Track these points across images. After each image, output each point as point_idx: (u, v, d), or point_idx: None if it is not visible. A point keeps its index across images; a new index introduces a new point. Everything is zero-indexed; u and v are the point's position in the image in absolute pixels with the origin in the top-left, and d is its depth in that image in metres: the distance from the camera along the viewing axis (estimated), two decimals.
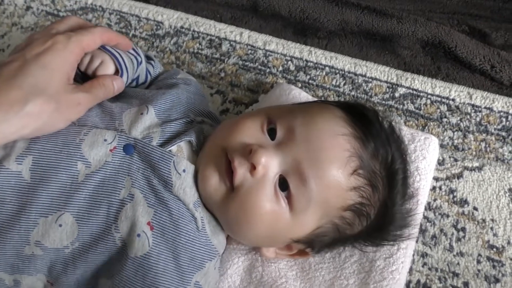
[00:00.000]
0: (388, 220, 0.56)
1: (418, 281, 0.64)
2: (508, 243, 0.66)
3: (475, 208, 0.69)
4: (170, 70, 0.72)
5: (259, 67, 0.85)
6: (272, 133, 0.55)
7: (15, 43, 0.92)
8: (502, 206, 0.69)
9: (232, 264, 0.62)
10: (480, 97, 0.78)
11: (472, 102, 0.78)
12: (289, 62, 0.85)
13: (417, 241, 0.66)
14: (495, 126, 0.76)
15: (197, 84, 0.71)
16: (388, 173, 0.55)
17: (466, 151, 0.74)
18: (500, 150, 0.74)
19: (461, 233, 0.67)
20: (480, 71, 0.84)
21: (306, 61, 0.85)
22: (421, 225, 0.67)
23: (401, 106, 0.79)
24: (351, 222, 0.54)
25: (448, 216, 0.69)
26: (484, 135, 0.75)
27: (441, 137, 0.76)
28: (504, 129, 0.76)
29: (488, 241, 0.67)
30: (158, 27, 0.92)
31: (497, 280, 0.64)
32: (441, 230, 0.68)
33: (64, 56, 0.51)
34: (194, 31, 0.91)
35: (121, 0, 0.96)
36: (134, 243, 0.50)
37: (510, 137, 0.75)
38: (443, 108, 0.78)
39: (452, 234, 0.67)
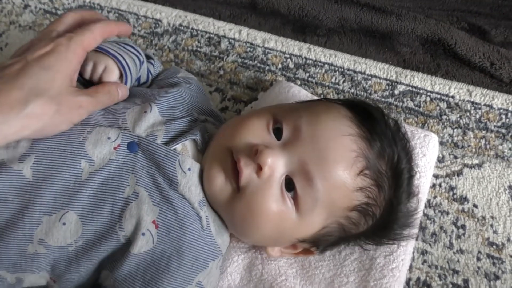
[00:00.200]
0: (393, 220, 0.56)
1: (418, 278, 0.64)
2: (508, 240, 0.66)
3: (475, 205, 0.69)
4: (170, 69, 0.71)
5: (258, 64, 0.85)
6: (277, 133, 0.54)
7: (13, 42, 0.92)
8: (502, 203, 0.69)
9: (232, 262, 0.62)
10: (479, 94, 0.78)
11: (472, 99, 0.78)
12: (288, 60, 0.85)
13: (417, 239, 0.66)
14: (494, 123, 0.76)
15: (198, 82, 0.71)
16: (394, 173, 0.54)
17: (465, 148, 0.74)
18: (500, 147, 0.74)
19: (461, 231, 0.67)
20: (479, 68, 0.84)
21: (305, 58, 0.85)
22: (421, 222, 0.67)
23: (401, 103, 0.79)
24: (356, 222, 0.54)
25: (448, 213, 0.69)
26: (483, 132, 0.75)
27: (441, 135, 0.75)
28: (503, 126, 0.75)
29: (488, 238, 0.67)
30: (157, 25, 0.92)
31: (497, 277, 0.64)
32: (441, 228, 0.68)
33: (67, 58, 0.51)
34: (192, 29, 0.90)
35: None
36: (138, 241, 0.50)
37: (510, 134, 0.75)
38: (443, 105, 0.78)
39: (452, 231, 0.67)
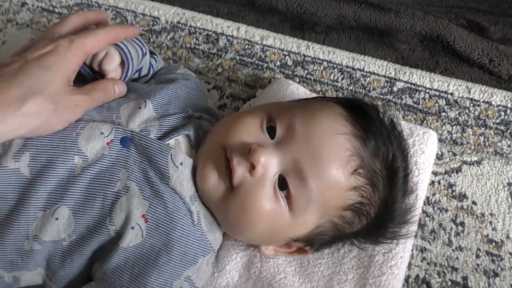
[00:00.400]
0: (388, 218, 0.56)
1: (417, 276, 0.64)
2: (507, 237, 0.66)
3: (474, 203, 0.69)
4: (169, 66, 0.71)
5: (257, 62, 0.85)
6: (271, 131, 0.54)
7: (10, 40, 0.92)
8: (501, 200, 0.69)
9: (231, 260, 0.62)
10: (478, 91, 0.78)
11: (471, 96, 0.78)
12: (287, 57, 0.85)
13: (416, 236, 0.66)
14: (493, 120, 0.76)
15: (197, 79, 0.70)
16: (389, 172, 0.54)
17: (464, 145, 0.74)
18: (499, 144, 0.74)
19: (460, 228, 0.67)
20: (478, 65, 0.83)
21: (304, 56, 0.84)
22: (420, 219, 0.67)
23: (400, 100, 0.79)
24: (350, 221, 0.54)
25: (447, 210, 0.69)
26: (482, 129, 0.75)
27: (440, 131, 0.75)
28: (502, 123, 0.75)
29: (487, 235, 0.66)
30: (155, 22, 0.92)
31: (496, 275, 0.64)
32: (440, 225, 0.67)
33: (66, 59, 0.51)
34: (190, 26, 0.90)
35: None
36: (128, 234, 0.50)
37: (508, 131, 0.75)
38: (442, 102, 0.78)
39: (451, 228, 0.67)
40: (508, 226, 0.67)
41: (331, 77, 0.82)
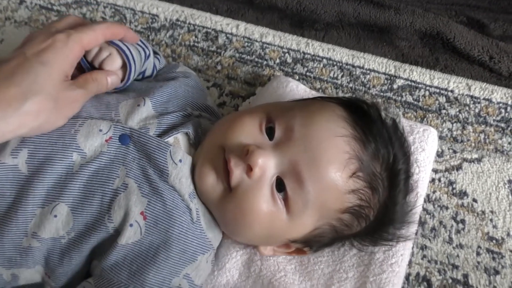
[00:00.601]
0: (388, 221, 0.56)
1: (418, 273, 0.64)
2: (508, 235, 0.66)
3: (475, 200, 0.69)
4: (169, 64, 0.71)
5: (256, 59, 0.84)
6: (270, 132, 0.54)
7: (8, 38, 0.91)
8: (502, 197, 0.69)
9: (231, 258, 0.62)
10: (479, 88, 0.78)
11: (471, 94, 0.78)
12: (286, 55, 0.84)
13: (416, 234, 0.66)
14: (494, 117, 0.75)
15: (197, 77, 0.70)
16: (389, 174, 0.54)
17: (465, 143, 0.74)
18: (499, 141, 0.73)
19: (460, 225, 0.67)
20: (478, 62, 0.83)
21: (304, 53, 0.84)
22: (420, 217, 0.67)
23: (400, 98, 0.78)
24: (349, 224, 0.53)
25: (447, 208, 0.68)
26: (483, 126, 0.75)
27: (440, 129, 0.75)
28: (503, 120, 0.75)
29: (488, 233, 0.66)
30: (154, 20, 0.91)
31: (496, 272, 0.64)
32: (441, 222, 0.67)
33: (64, 54, 0.50)
34: (190, 23, 0.90)
35: None
36: (126, 232, 0.50)
37: (509, 128, 0.74)
38: (442, 99, 0.78)
39: (452, 226, 0.67)
40: (508, 223, 0.67)
41: (331, 75, 0.82)
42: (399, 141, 0.56)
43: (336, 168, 0.50)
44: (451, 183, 0.70)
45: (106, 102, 0.57)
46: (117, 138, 0.53)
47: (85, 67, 0.57)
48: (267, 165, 0.51)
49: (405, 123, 0.70)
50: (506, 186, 0.69)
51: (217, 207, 0.54)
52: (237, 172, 0.51)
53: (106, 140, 0.52)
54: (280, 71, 0.83)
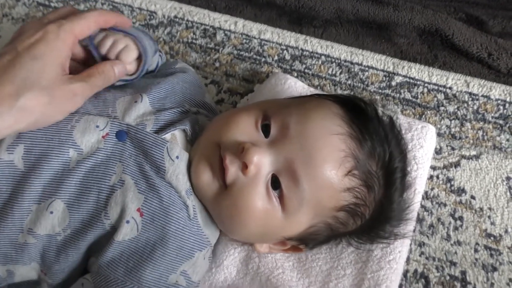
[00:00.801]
0: (384, 219, 0.56)
1: (416, 270, 0.64)
2: (506, 231, 0.66)
3: (473, 197, 0.69)
4: (168, 61, 0.71)
5: (254, 56, 0.84)
6: (266, 130, 0.54)
7: (6, 35, 0.91)
8: (500, 194, 0.69)
9: (229, 255, 0.62)
10: (477, 85, 0.78)
11: (469, 90, 0.77)
12: (285, 51, 0.84)
13: (414, 231, 0.66)
14: (492, 114, 0.75)
15: (195, 74, 0.70)
16: (385, 172, 0.54)
17: (463, 140, 0.74)
18: (498, 138, 0.73)
19: (458, 222, 0.67)
20: (477, 59, 0.83)
21: (302, 50, 0.84)
22: (418, 214, 0.67)
23: (398, 94, 0.78)
24: (344, 222, 0.53)
25: (445, 205, 0.68)
26: (481, 123, 0.75)
27: (438, 126, 0.75)
28: (501, 117, 0.75)
29: (486, 229, 0.66)
30: (151, 17, 0.91)
31: (494, 269, 0.64)
32: (439, 219, 0.67)
33: (57, 46, 0.49)
34: (188, 20, 0.89)
35: None
36: (123, 228, 0.50)
37: (507, 125, 0.74)
38: (440, 96, 0.78)
39: (450, 223, 0.67)
40: (506, 220, 0.67)
41: (329, 72, 0.82)
42: (396, 139, 0.56)
43: (331, 166, 0.50)
44: (449, 180, 0.70)
45: (103, 98, 0.57)
46: (114, 135, 0.53)
47: (98, 59, 0.56)
48: (262, 162, 0.51)
49: (403, 120, 0.70)
50: (504, 183, 0.69)
51: (212, 204, 0.54)
52: (232, 169, 0.51)
53: (103, 137, 0.52)
54: (278, 68, 0.83)
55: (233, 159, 0.51)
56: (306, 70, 0.82)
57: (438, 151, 0.73)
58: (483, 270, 0.64)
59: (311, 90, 0.75)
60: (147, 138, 0.53)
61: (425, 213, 0.68)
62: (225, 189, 0.52)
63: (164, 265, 0.51)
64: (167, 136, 0.55)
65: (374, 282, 0.59)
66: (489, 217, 0.67)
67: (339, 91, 0.80)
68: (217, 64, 0.84)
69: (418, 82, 0.79)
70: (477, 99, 0.77)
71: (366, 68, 0.81)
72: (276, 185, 0.51)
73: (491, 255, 0.65)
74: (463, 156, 0.72)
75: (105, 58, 0.56)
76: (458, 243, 0.66)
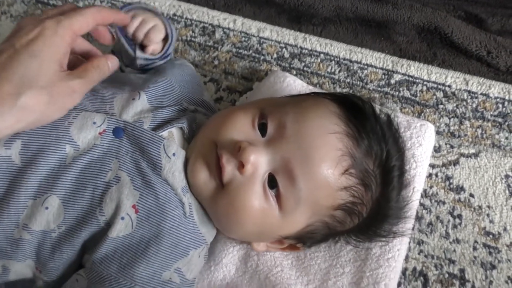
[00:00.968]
0: (381, 217, 0.56)
1: (414, 268, 0.64)
2: (505, 229, 0.66)
3: (472, 195, 0.69)
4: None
5: (253, 54, 0.84)
6: (263, 128, 0.53)
7: (5, 32, 0.91)
8: (499, 192, 0.69)
9: (227, 254, 0.62)
10: (476, 83, 0.78)
11: (469, 89, 0.77)
12: (284, 49, 0.84)
13: (413, 229, 0.66)
14: (491, 113, 0.75)
15: (194, 72, 0.70)
16: (382, 171, 0.54)
17: (462, 138, 0.74)
18: (497, 136, 0.73)
19: (457, 220, 0.67)
20: (476, 57, 0.83)
21: (301, 48, 0.84)
22: (417, 212, 0.67)
23: (397, 93, 0.78)
24: (342, 221, 0.53)
25: (444, 203, 0.68)
26: (480, 121, 0.75)
27: (437, 124, 0.75)
28: (500, 115, 0.75)
29: (485, 227, 0.66)
30: None
31: (493, 267, 0.64)
32: (437, 217, 0.67)
33: (54, 43, 0.49)
34: (187, 18, 0.89)
35: None
36: (117, 225, 0.50)
37: (506, 124, 0.74)
38: (439, 94, 0.78)
39: (448, 221, 0.67)
40: (505, 218, 0.67)
41: (328, 70, 0.82)
42: (393, 137, 0.56)
43: (328, 166, 0.50)
44: (448, 178, 0.70)
45: (101, 95, 0.56)
46: (111, 131, 0.53)
47: (127, 43, 0.57)
48: (259, 162, 0.51)
49: (402, 118, 0.70)
50: (503, 181, 0.69)
51: (209, 203, 0.54)
52: (229, 168, 0.51)
53: (100, 133, 0.52)
54: (277, 66, 0.83)
55: (230, 158, 0.51)
56: (305, 68, 0.82)
57: (437, 149, 0.73)
58: (482, 268, 0.64)
59: (310, 88, 0.75)
60: (144, 135, 0.53)
61: (424, 211, 0.68)
62: (221, 188, 0.52)
63: (158, 262, 0.51)
64: (164, 133, 0.55)
65: (373, 280, 0.59)
66: (488, 215, 0.67)
67: (338, 89, 0.80)
68: (216, 62, 0.84)
69: (417, 80, 0.79)
70: (476, 97, 0.77)
71: (365, 66, 0.81)
72: (273, 184, 0.51)
73: (490, 253, 0.65)
74: (462, 154, 0.72)
75: (130, 39, 0.57)
76: (457, 241, 0.66)
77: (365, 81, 0.80)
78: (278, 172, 0.51)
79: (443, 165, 0.71)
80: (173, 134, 0.56)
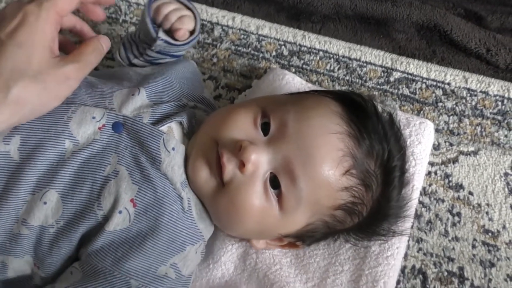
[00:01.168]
0: (381, 217, 0.56)
1: (413, 266, 0.64)
2: (504, 227, 0.66)
3: (471, 193, 0.69)
4: None
5: (252, 52, 0.84)
6: (266, 127, 0.53)
7: None
8: (498, 190, 0.68)
9: (226, 251, 0.62)
10: (475, 81, 0.77)
11: (468, 86, 0.77)
12: (283, 47, 0.84)
13: (412, 227, 0.66)
14: (490, 110, 0.75)
15: (196, 68, 0.70)
16: (383, 171, 0.53)
17: (461, 136, 0.74)
18: (496, 134, 0.73)
19: (456, 218, 0.67)
20: (475, 55, 0.83)
21: (300, 45, 0.84)
22: (416, 210, 0.67)
23: (396, 90, 0.78)
24: (342, 220, 0.53)
25: (443, 201, 0.68)
26: (479, 119, 0.75)
27: (437, 122, 0.75)
28: (499, 113, 0.75)
29: (484, 225, 0.66)
30: None
31: (492, 265, 0.64)
32: (437, 215, 0.67)
33: (39, 28, 0.46)
34: None
35: None
36: (114, 218, 0.50)
37: (505, 121, 0.74)
38: (439, 92, 0.77)
39: (448, 219, 0.67)
40: (504, 216, 0.67)
41: (327, 67, 0.81)
42: (395, 136, 0.56)
43: (329, 166, 0.50)
44: (447, 176, 0.70)
45: (100, 90, 0.56)
46: (110, 126, 0.53)
47: (153, 30, 0.59)
48: (260, 161, 0.50)
49: (402, 116, 0.70)
50: (502, 179, 0.69)
51: (210, 201, 0.54)
52: (229, 167, 0.51)
53: (99, 128, 0.52)
54: (276, 63, 0.83)
55: (231, 157, 0.51)
56: (304, 66, 0.82)
57: (436, 147, 0.72)
58: (481, 266, 0.64)
59: (309, 86, 0.75)
60: (143, 129, 0.53)
61: (423, 209, 0.68)
62: (222, 186, 0.52)
63: (154, 257, 0.51)
64: (164, 128, 0.55)
65: (372, 278, 0.59)
66: (487, 213, 0.67)
67: (337, 87, 0.80)
68: (214, 60, 0.84)
69: (417, 78, 0.79)
70: (476, 95, 0.77)
71: (364, 64, 0.81)
72: (276, 184, 0.51)
73: (489, 251, 0.65)
74: (461, 152, 0.72)
75: (153, 22, 0.59)
76: (456, 239, 0.66)
77: (364, 78, 0.80)
78: (279, 172, 0.51)
79: (442, 163, 0.71)
80: (172, 129, 0.56)
